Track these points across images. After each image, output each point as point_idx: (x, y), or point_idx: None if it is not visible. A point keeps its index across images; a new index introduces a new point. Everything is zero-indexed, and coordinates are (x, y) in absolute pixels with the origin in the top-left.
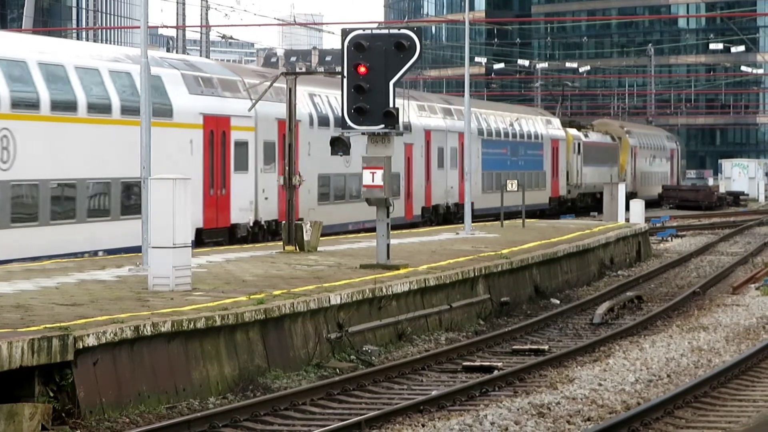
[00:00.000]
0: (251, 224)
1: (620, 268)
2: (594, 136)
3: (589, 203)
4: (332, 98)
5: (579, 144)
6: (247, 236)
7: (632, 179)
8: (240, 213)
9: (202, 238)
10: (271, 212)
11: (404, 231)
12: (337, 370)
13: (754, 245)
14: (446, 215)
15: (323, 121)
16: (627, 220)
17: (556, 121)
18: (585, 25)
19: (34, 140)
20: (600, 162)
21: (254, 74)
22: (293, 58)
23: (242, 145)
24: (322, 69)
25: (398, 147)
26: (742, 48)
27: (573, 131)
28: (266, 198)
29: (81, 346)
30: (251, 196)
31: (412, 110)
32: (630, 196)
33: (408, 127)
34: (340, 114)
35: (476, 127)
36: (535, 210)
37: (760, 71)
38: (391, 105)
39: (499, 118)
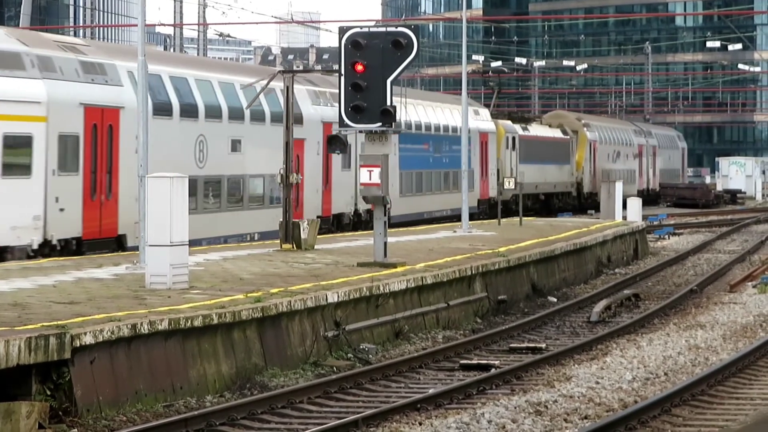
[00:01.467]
0: (36, 245)
1: (617, 266)
2: (536, 130)
3: (528, 206)
4: (187, 80)
5: (513, 138)
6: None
7: (591, 178)
8: (12, 232)
9: None
10: (70, 228)
11: (401, 229)
12: (335, 368)
13: (751, 243)
14: (356, 224)
15: (163, 109)
16: (624, 218)
17: (485, 112)
18: (582, 23)
19: None
20: (544, 159)
21: (51, 45)
22: (290, 56)
23: (19, 141)
24: (319, 67)
25: (277, 142)
26: (739, 46)
27: (506, 123)
28: (62, 209)
29: (78, 345)
30: (37, 208)
31: (303, 97)
32: (588, 196)
33: (298, 119)
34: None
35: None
36: (460, 215)
37: (757, 69)
38: (388, 103)
39: (420, 108)
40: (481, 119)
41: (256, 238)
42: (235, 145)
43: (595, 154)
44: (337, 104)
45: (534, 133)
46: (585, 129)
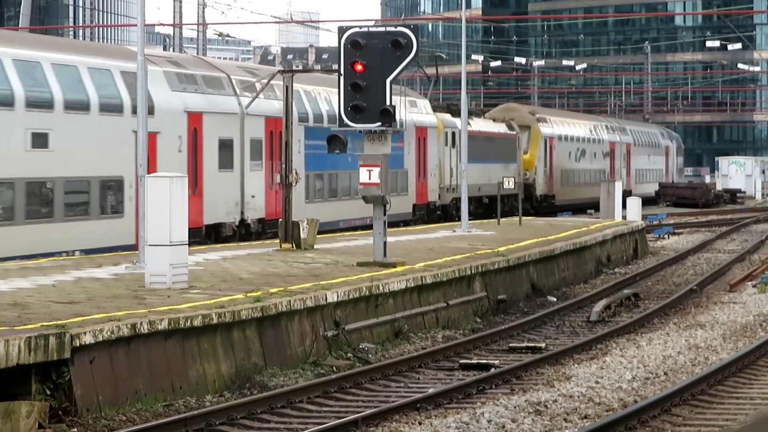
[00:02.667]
0: None
1: (617, 266)
2: (478, 124)
3: (471, 211)
4: None
5: (453, 134)
6: None
7: (546, 178)
8: None
9: None
10: None
11: (401, 229)
12: (334, 368)
13: (751, 243)
14: (244, 237)
15: None
16: (624, 217)
17: (425, 103)
18: (582, 22)
19: None
20: (488, 157)
21: None
22: (290, 56)
23: None
24: (318, 67)
25: (112, 136)
26: (738, 46)
27: (445, 117)
28: None
29: (78, 344)
30: None
31: (157, 80)
32: (543, 199)
33: (148, 108)
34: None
35: (296, 109)
36: (396, 222)
37: (757, 69)
38: (388, 103)
39: (335, 97)
40: (419, 111)
41: (76, 254)
42: (39, 141)
43: (552, 152)
44: (212, 90)
45: (477, 128)
46: (539, 124)
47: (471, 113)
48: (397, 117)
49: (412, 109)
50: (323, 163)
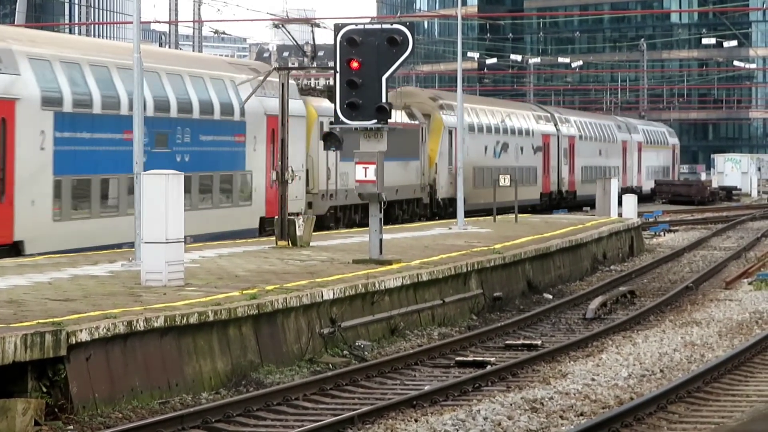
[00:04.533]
0: None
1: (613, 263)
2: None
3: (357, 222)
4: None
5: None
6: None
7: (452, 178)
8: None
9: None
10: None
11: (396, 226)
12: (330, 365)
13: (746, 240)
14: None
15: None
16: (620, 215)
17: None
18: (577, 20)
19: None
20: (384, 153)
21: None
22: (286, 53)
23: None
24: (314, 64)
25: None
26: (734, 43)
27: (321, 103)
28: None
29: (74, 342)
30: None
31: None
32: (448, 203)
33: None
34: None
35: (37, 85)
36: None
37: (753, 66)
38: (384, 100)
39: (125, 74)
40: (273, 96)
41: None
42: None
43: (454, 145)
44: None
45: None
46: (441, 112)
47: None
48: (235, 102)
49: (263, 91)
50: (92, 164)
